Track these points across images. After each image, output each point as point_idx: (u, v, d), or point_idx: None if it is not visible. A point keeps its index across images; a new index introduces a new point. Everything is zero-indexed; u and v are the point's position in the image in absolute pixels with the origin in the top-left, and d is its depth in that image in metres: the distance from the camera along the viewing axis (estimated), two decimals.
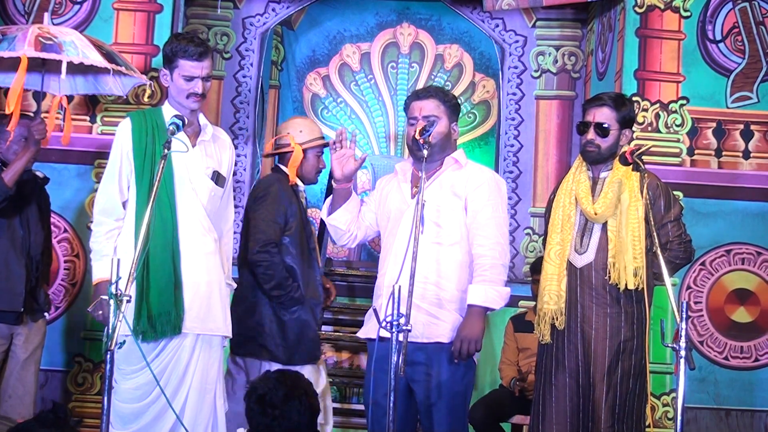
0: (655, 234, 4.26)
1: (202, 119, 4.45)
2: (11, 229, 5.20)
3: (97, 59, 4.92)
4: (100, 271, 4.25)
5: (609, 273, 4.52)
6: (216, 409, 4.35)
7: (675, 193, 6.10)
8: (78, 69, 5.18)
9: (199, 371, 4.30)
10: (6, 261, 5.16)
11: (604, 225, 4.57)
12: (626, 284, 4.48)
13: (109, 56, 5.06)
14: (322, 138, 5.20)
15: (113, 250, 4.25)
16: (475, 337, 4.33)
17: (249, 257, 4.91)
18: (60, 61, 4.88)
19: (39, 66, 5.16)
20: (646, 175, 4.45)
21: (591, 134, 4.61)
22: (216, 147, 4.46)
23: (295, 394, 3.45)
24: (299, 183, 5.15)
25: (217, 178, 4.41)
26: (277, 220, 4.94)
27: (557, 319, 4.58)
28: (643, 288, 4.51)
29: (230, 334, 4.45)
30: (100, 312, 4.16)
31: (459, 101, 4.67)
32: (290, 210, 4.99)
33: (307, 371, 4.74)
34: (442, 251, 4.41)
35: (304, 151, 5.12)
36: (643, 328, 4.55)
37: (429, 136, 4.28)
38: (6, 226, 5.18)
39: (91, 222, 4.49)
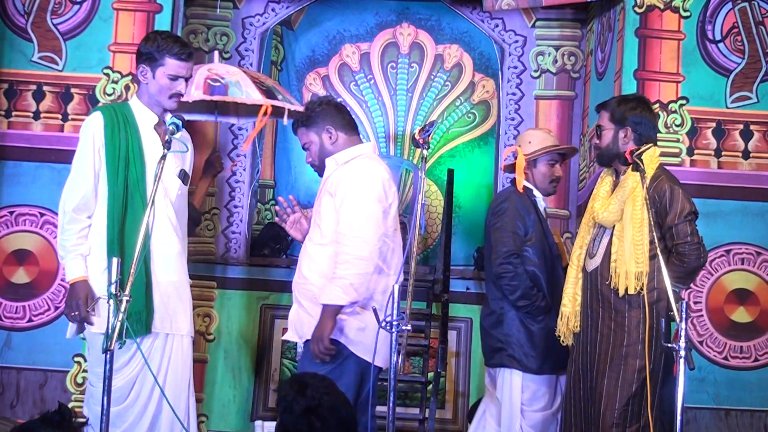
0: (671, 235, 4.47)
1: (169, 117, 4.34)
2: None
3: (258, 98, 5.19)
4: (75, 270, 4.19)
5: (610, 277, 4.55)
6: (189, 407, 4.34)
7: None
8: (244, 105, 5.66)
9: (172, 371, 4.28)
10: None
11: (613, 229, 4.61)
12: (626, 288, 4.51)
13: (268, 92, 5.25)
14: (554, 146, 5.39)
15: (88, 249, 4.20)
16: (319, 335, 4.27)
17: (493, 270, 5.07)
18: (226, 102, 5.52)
19: (213, 107, 5.86)
20: (645, 175, 4.45)
21: (594, 138, 4.79)
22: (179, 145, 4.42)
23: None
24: (537, 194, 5.30)
25: (184, 177, 4.39)
26: (517, 232, 5.11)
27: (572, 322, 4.70)
28: (650, 292, 4.52)
29: (193, 334, 4.40)
30: (76, 312, 4.12)
31: (317, 107, 4.61)
32: (528, 220, 5.16)
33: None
34: (320, 250, 4.45)
35: (534, 161, 5.31)
36: (651, 332, 4.54)
37: (429, 136, 4.29)
38: None
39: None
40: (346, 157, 4.48)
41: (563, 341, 4.79)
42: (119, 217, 4.16)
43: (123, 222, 4.16)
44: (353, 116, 4.75)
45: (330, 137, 4.53)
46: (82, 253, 4.18)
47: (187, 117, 5.26)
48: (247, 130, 7.01)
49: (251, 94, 5.18)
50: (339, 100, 8.42)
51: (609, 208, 4.58)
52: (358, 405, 4.39)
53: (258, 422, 4.47)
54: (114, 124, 4.24)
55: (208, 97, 5.25)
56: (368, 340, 4.30)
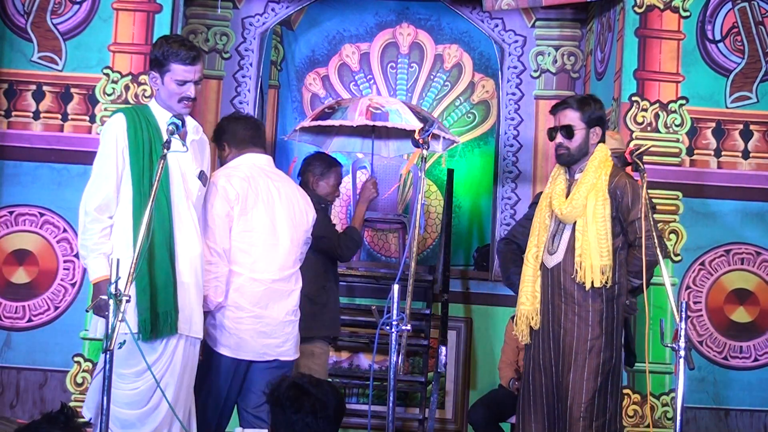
0: (656, 233, 4.35)
1: (189, 119, 4.38)
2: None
3: (416, 125, 5.73)
4: (99, 269, 4.16)
5: (576, 272, 4.59)
6: (191, 410, 4.35)
7: (673, 192, 6.15)
8: (400, 133, 6.39)
9: (189, 374, 4.28)
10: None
11: (574, 225, 4.64)
12: (592, 283, 4.55)
13: (425, 121, 5.76)
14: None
15: (111, 248, 4.20)
16: None
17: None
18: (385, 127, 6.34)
19: (369, 131, 6.57)
20: (644, 174, 4.45)
21: (559, 138, 4.72)
22: (198, 145, 4.41)
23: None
24: None
25: (202, 178, 4.39)
26: None
27: (532, 320, 4.70)
28: (612, 286, 4.58)
29: (201, 337, 4.36)
30: (106, 313, 4.12)
31: (221, 123, 5.07)
32: None
33: None
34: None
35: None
36: (613, 326, 4.62)
37: (428, 135, 4.28)
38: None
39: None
40: (222, 169, 4.76)
41: (521, 340, 4.79)
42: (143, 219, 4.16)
43: (151, 223, 4.17)
44: (260, 129, 5.00)
45: (224, 151, 4.89)
46: (105, 252, 4.15)
47: (344, 140, 6.26)
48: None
49: (410, 121, 5.92)
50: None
51: (573, 204, 4.61)
52: (227, 400, 4.60)
53: (238, 429, 4.45)
54: (137, 124, 4.24)
55: (371, 122, 5.98)
56: (225, 336, 4.54)
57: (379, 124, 6.19)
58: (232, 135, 4.87)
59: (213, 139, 4.90)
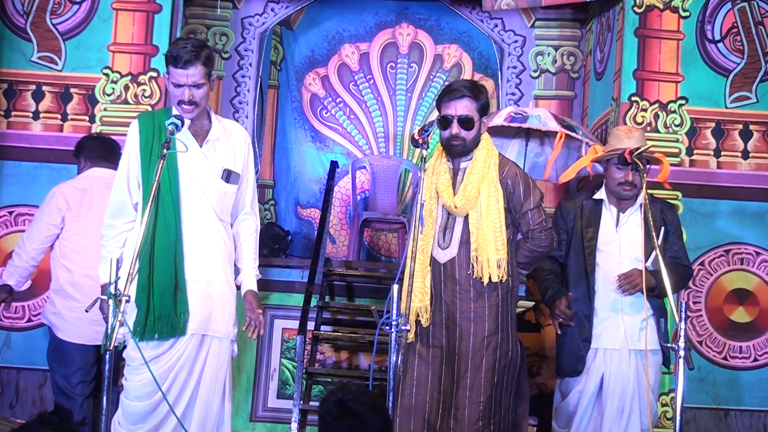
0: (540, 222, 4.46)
1: (213, 118, 4.41)
2: None
3: (554, 127, 5.98)
4: (105, 274, 4.19)
5: (472, 266, 4.45)
6: (224, 409, 4.34)
7: (674, 192, 6.15)
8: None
9: (209, 372, 4.28)
10: None
11: (466, 218, 4.48)
12: (490, 277, 4.43)
13: (568, 127, 6.00)
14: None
15: (120, 254, 4.23)
16: None
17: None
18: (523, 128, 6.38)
19: (513, 133, 6.59)
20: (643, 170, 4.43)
21: (455, 128, 4.48)
22: (228, 143, 4.39)
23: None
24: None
25: (229, 176, 4.38)
26: None
27: (423, 316, 4.49)
28: (507, 279, 4.47)
29: (231, 337, 4.38)
30: (104, 315, 4.14)
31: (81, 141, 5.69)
32: None
33: None
34: None
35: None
36: (508, 320, 4.52)
37: (428, 135, 4.27)
38: None
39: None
40: (67, 181, 5.54)
41: (407, 339, 4.50)
42: (152, 220, 4.19)
43: (155, 224, 4.20)
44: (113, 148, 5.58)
45: (81, 166, 5.56)
46: (114, 257, 4.18)
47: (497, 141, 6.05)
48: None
49: (548, 124, 6.04)
50: (338, 100, 8.42)
51: (466, 196, 4.43)
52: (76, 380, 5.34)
53: None
54: (149, 130, 4.31)
55: (506, 124, 6.15)
56: (61, 322, 5.33)
57: (514, 125, 6.25)
58: (91, 152, 5.55)
59: (73, 153, 5.62)
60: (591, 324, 4.90)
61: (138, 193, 4.29)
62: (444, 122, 4.50)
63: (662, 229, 4.87)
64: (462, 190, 4.46)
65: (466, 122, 4.47)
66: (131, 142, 4.32)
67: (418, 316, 4.49)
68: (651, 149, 5.15)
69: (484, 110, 4.53)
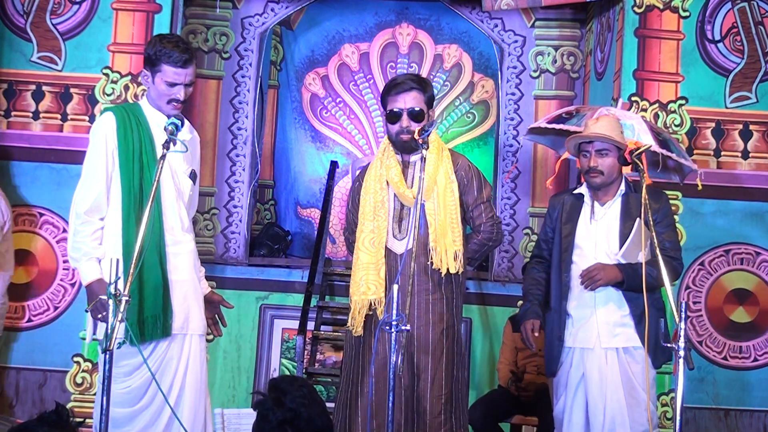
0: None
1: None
2: None
3: (650, 142, 5.17)
4: (90, 272, 4.13)
5: (431, 257, 4.41)
6: (206, 407, 4.33)
7: (673, 192, 6.15)
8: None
9: (192, 372, 4.25)
10: None
11: (421, 208, 4.42)
12: (448, 268, 4.40)
13: (663, 143, 5.25)
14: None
15: (102, 252, 4.18)
16: None
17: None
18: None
19: None
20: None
21: (405, 121, 4.44)
22: (190, 145, 4.33)
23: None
24: None
25: (193, 176, 4.38)
26: None
27: (378, 309, 4.44)
28: (460, 274, 4.45)
29: (204, 332, 4.34)
30: (104, 312, 4.11)
31: None
32: None
33: None
34: None
35: None
36: (460, 314, 4.52)
37: (428, 135, 4.26)
38: None
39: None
40: None
41: (355, 333, 4.48)
42: (134, 218, 4.14)
43: (138, 223, 4.15)
44: None
45: None
46: (97, 256, 4.14)
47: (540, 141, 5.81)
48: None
49: (643, 138, 5.32)
50: (338, 100, 8.43)
51: (423, 188, 4.23)
52: None
53: (218, 410, 4.43)
54: (126, 124, 4.21)
55: (556, 126, 5.48)
56: None
57: (562, 127, 5.62)
58: None
59: None
60: (563, 323, 4.73)
61: (112, 190, 4.20)
62: (393, 116, 4.46)
63: (636, 220, 4.60)
64: (418, 182, 4.31)
65: (416, 115, 4.44)
66: (108, 137, 4.19)
67: (371, 308, 4.45)
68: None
69: (430, 102, 4.51)
